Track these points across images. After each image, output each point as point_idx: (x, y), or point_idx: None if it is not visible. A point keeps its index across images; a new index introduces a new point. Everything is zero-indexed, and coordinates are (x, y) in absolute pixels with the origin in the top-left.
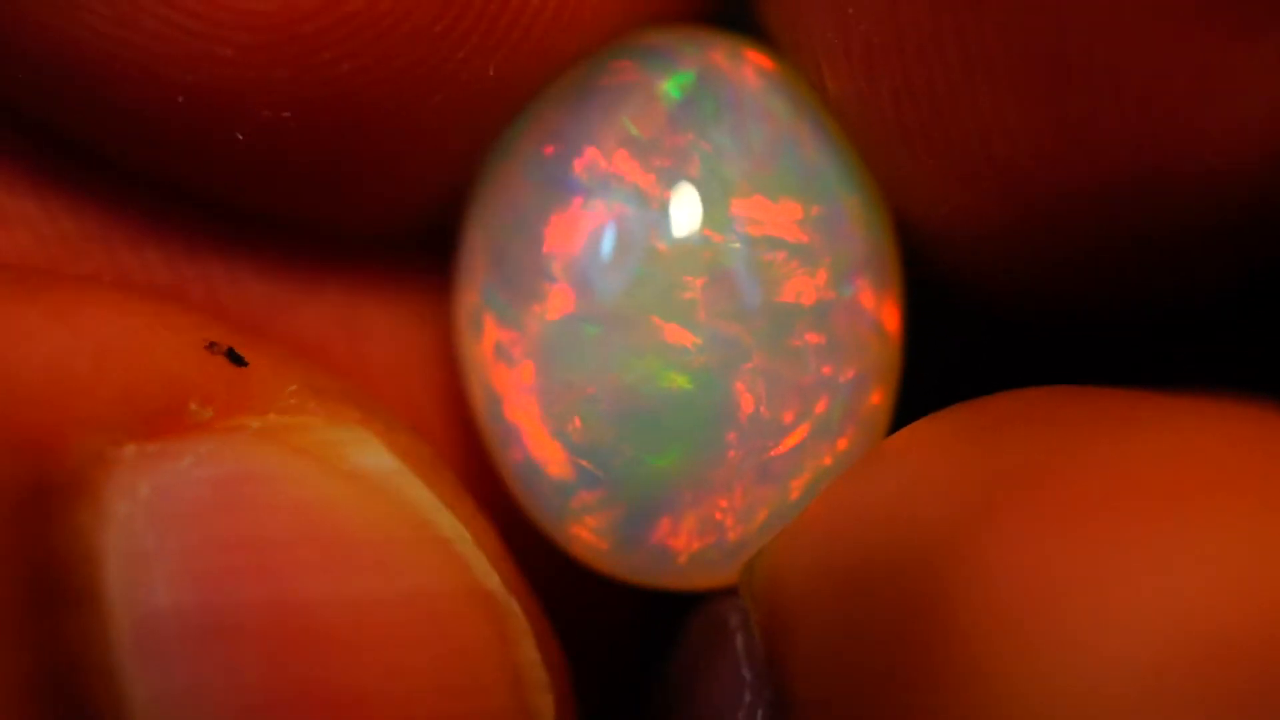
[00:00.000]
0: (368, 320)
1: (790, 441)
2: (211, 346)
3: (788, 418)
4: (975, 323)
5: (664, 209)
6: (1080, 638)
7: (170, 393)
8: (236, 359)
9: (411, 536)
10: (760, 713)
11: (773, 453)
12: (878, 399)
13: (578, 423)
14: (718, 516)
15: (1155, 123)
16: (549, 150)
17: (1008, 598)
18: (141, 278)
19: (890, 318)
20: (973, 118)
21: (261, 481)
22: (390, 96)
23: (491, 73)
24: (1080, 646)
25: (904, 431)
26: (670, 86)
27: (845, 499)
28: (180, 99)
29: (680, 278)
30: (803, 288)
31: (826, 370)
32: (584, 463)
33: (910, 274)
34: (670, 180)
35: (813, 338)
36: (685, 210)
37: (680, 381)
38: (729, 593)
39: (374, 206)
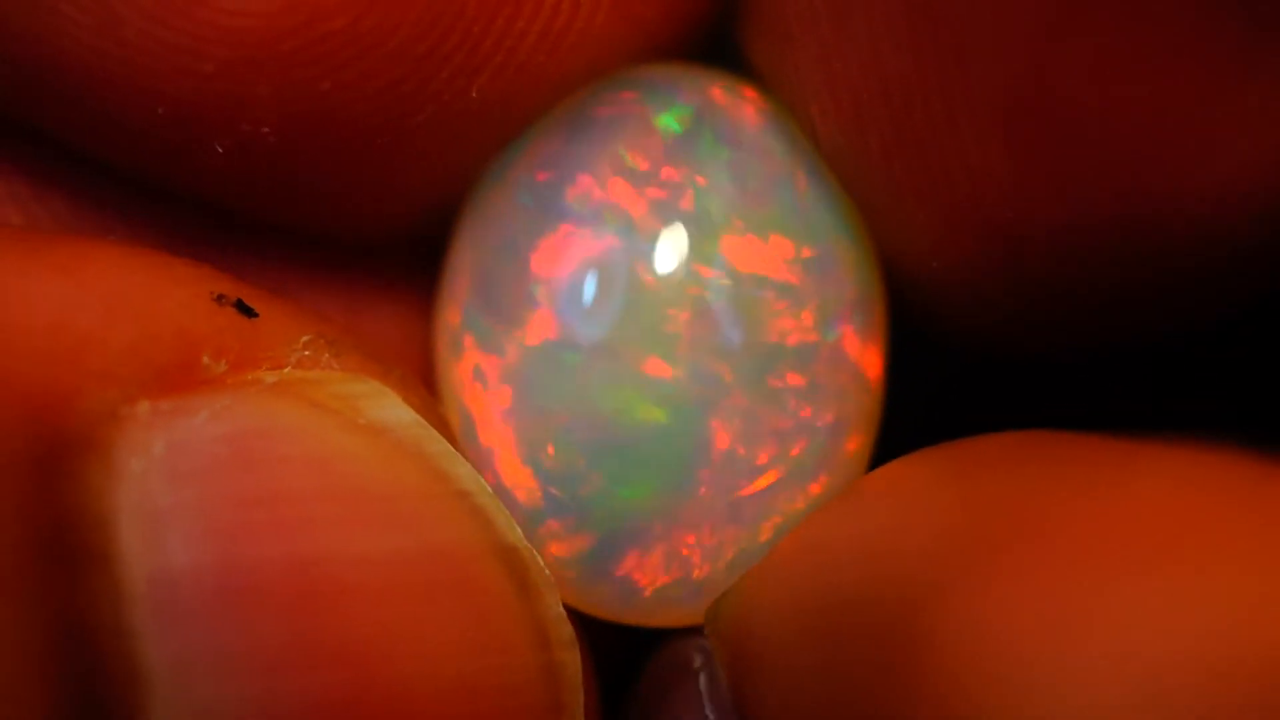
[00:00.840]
0: (368, 315)
1: (763, 483)
2: (220, 298)
3: (762, 458)
4: (957, 363)
5: (653, 241)
6: (1074, 682)
7: (182, 347)
8: (246, 310)
9: (432, 490)
10: None
11: (744, 492)
12: (854, 445)
13: (550, 450)
14: (685, 552)
15: (1142, 172)
16: (542, 176)
17: (999, 641)
18: None
19: (873, 364)
20: (960, 168)
21: (278, 437)
22: (372, 115)
23: (475, 94)
24: (1074, 690)
25: (880, 471)
26: (669, 119)
27: (819, 538)
28: (160, 110)
29: (664, 311)
30: (787, 328)
31: (805, 413)
32: (554, 490)
33: (893, 314)
34: (662, 213)
35: (794, 379)
36: (674, 244)
37: (656, 414)
38: (692, 631)
39: (356, 220)
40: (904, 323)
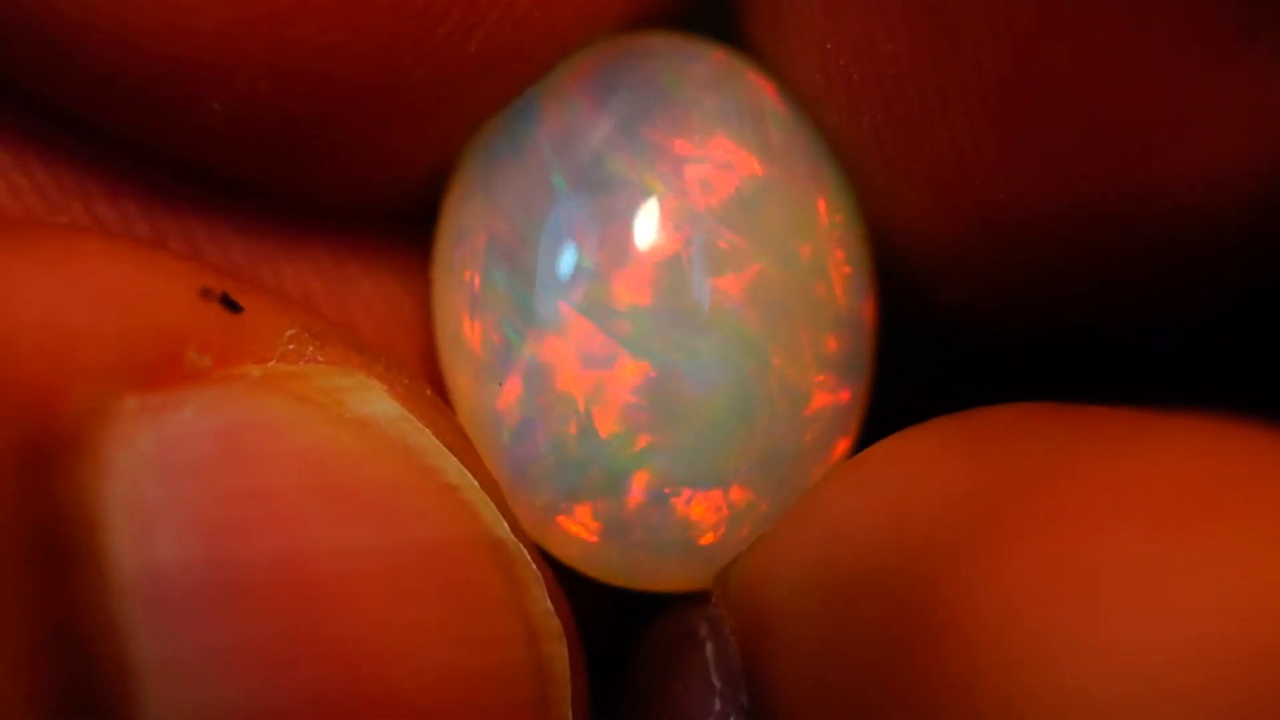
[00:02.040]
0: (352, 280)
1: (794, 442)
2: (205, 293)
3: (799, 416)
4: (953, 341)
5: (693, 207)
6: (1092, 645)
7: (167, 341)
8: (231, 305)
9: (419, 484)
10: None
11: (781, 448)
12: (860, 414)
13: (581, 408)
14: (713, 512)
15: (1131, 156)
16: (577, 145)
17: (1015, 609)
18: (119, 230)
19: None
20: (951, 149)
21: (265, 431)
22: (369, 71)
23: (473, 50)
24: (1092, 654)
25: (887, 442)
26: (686, 88)
27: (831, 507)
28: (156, 68)
29: (705, 276)
30: (819, 294)
31: (830, 377)
32: (582, 450)
33: (887, 293)
34: (700, 180)
35: (827, 343)
36: (711, 211)
37: (692, 374)
38: (693, 599)
39: (353, 179)
40: (897, 302)
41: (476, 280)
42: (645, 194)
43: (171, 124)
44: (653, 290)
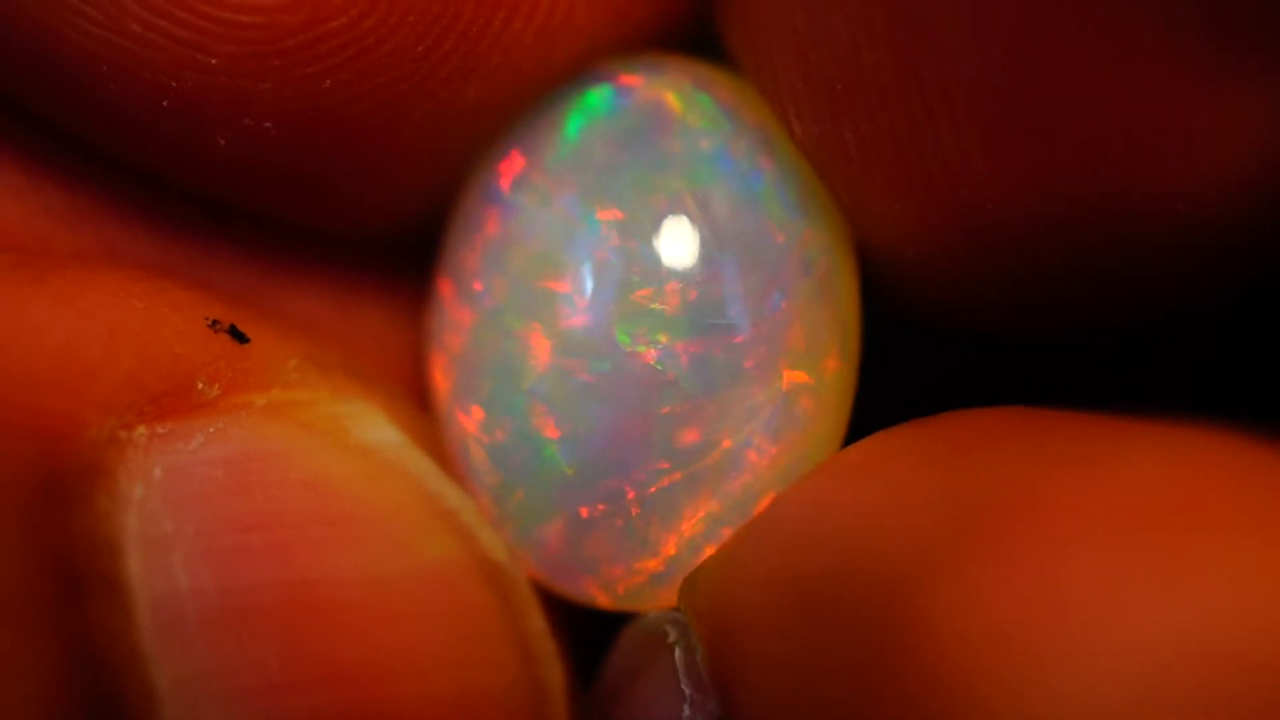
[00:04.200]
0: (351, 309)
1: (718, 453)
2: (214, 324)
3: (719, 428)
4: (935, 348)
5: (601, 214)
6: (1068, 656)
7: (177, 372)
8: (239, 336)
9: (419, 510)
10: None
11: (704, 462)
12: (812, 413)
13: (501, 421)
14: (647, 527)
15: (1116, 166)
16: (500, 164)
17: (986, 622)
18: (128, 256)
19: (835, 333)
20: (935, 159)
21: (270, 459)
22: (371, 112)
23: (471, 94)
24: (1068, 664)
25: (859, 445)
26: (595, 103)
27: (800, 513)
28: (165, 103)
29: (609, 293)
30: (737, 294)
31: (759, 381)
32: (504, 461)
33: (871, 298)
34: (605, 189)
35: (742, 343)
36: (617, 217)
37: (608, 383)
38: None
39: (353, 212)
40: (881, 307)
41: (454, 305)
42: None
43: (178, 156)
44: (587, 311)
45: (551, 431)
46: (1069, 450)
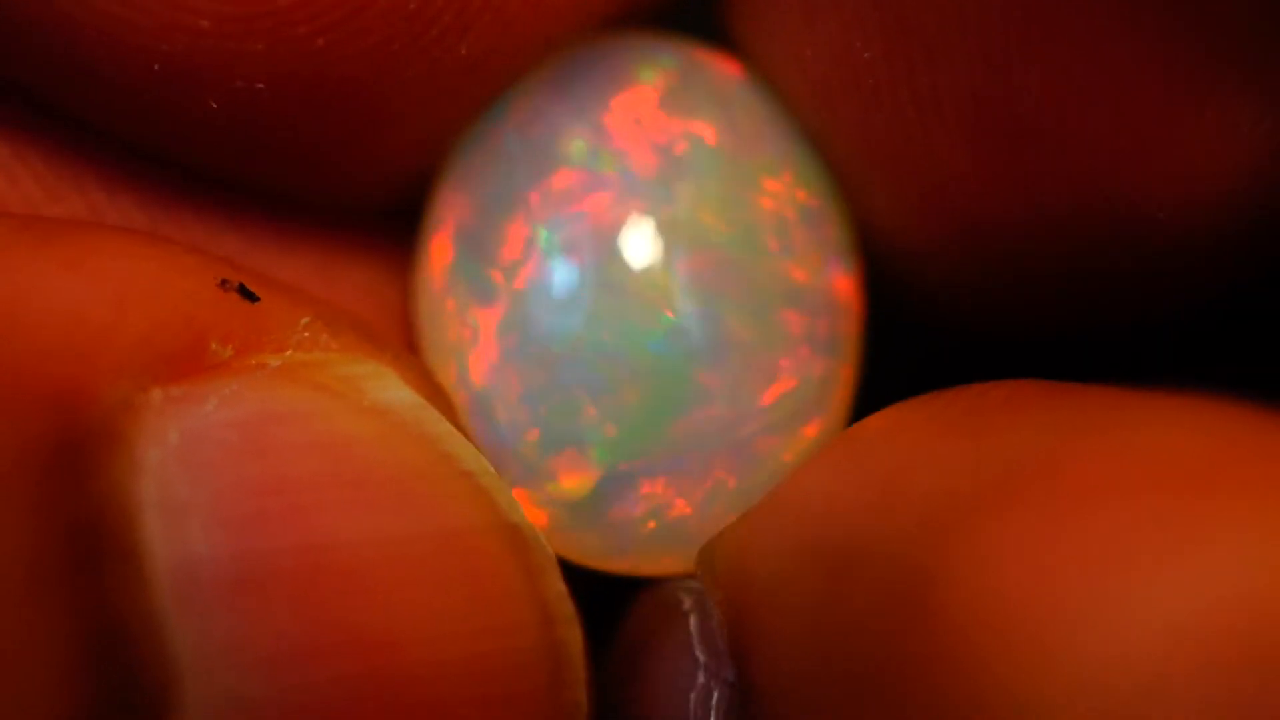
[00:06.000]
0: (342, 275)
1: (757, 424)
2: (224, 284)
3: (759, 400)
4: (935, 341)
5: (646, 185)
6: (1083, 629)
7: (190, 333)
8: (249, 295)
9: (436, 472)
10: (715, 694)
11: (740, 433)
12: (844, 390)
13: (545, 391)
14: (679, 495)
15: (1103, 172)
16: (534, 127)
17: (1008, 587)
18: (116, 222)
19: (858, 311)
20: (926, 158)
21: (286, 421)
22: (363, 72)
23: (464, 52)
24: (1083, 638)
25: (878, 416)
26: (652, 73)
27: (821, 482)
28: (155, 66)
29: (659, 252)
30: (781, 270)
31: (801, 354)
32: (548, 431)
33: (871, 287)
34: (656, 158)
35: (789, 320)
36: (665, 187)
37: (651, 354)
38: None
39: (344, 176)
40: (881, 301)
41: (445, 267)
42: (599, 174)
43: (167, 121)
44: (600, 267)
45: (579, 395)
46: (1087, 418)
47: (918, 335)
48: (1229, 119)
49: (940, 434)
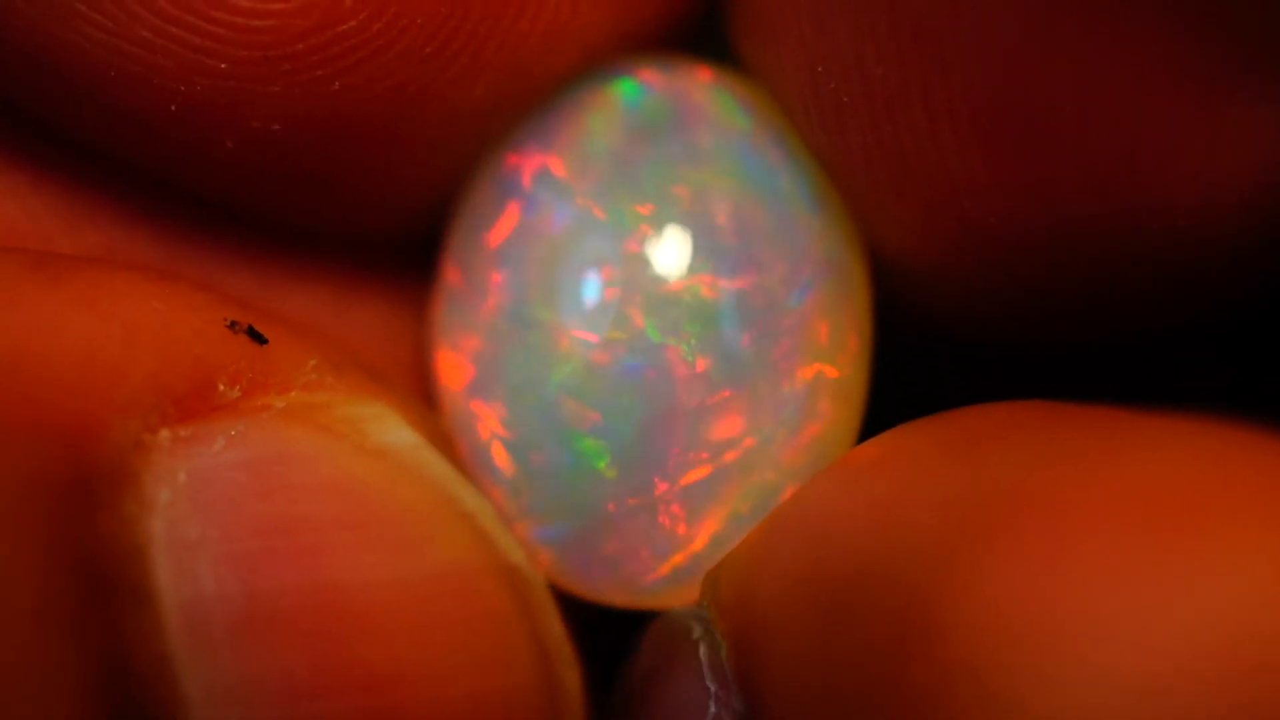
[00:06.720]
0: (356, 309)
1: (735, 452)
2: (233, 325)
3: (734, 428)
4: (944, 352)
5: (606, 215)
6: (1083, 653)
7: (198, 373)
8: (257, 336)
9: (438, 513)
10: None
11: (721, 461)
12: (831, 413)
13: (517, 425)
14: (667, 526)
15: (1118, 181)
16: (508, 159)
17: (1007, 613)
18: (130, 258)
19: (848, 332)
20: (940, 170)
21: (292, 462)
22: (379, 113)
23: (479, 93)
24: (1083, 662)
25: (874, 442)
26: (623, 97)
27: (819, 508)
28: (172, 107)
29: (639, 285)
30: (747, 291)
31: (771, 380)
32: (526, 467)
33: (880, 302)
34: (615, 189)
35: (751, 344)
36: (627, 216)
37: (619, 387)
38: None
39: (360, 214)
40: (891, 311)
41: (469, 300)
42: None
43: (184, 159)
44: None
45: (581, 425)
46: (1083, 444)
47: (927, 347)
48: (1244, 121)
49: (940, 458)
